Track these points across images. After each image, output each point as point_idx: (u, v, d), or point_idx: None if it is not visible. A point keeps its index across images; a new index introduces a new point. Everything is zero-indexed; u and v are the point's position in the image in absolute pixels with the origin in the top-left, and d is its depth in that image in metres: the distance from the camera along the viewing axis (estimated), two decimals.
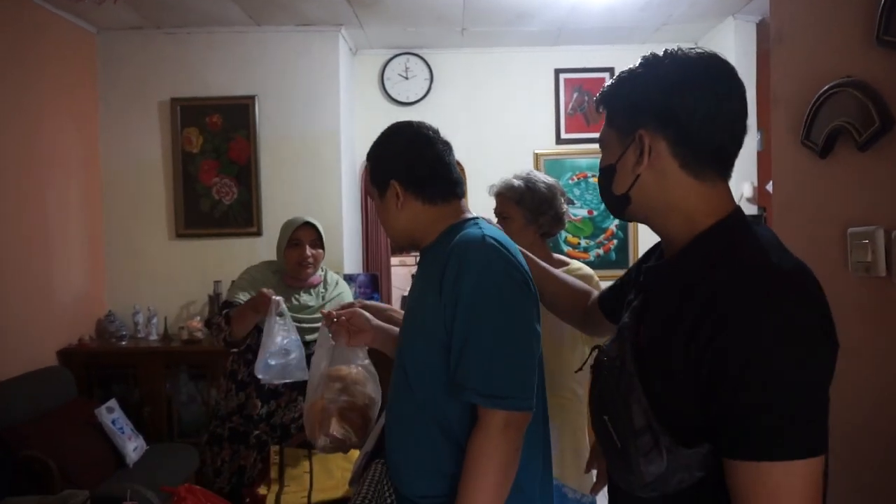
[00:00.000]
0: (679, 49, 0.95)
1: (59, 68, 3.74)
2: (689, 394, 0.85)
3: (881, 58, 1.40)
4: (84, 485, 2.78)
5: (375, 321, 1.59)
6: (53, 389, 3.33)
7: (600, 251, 4.66)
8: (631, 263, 4.66)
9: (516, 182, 2.08)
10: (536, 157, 4.63)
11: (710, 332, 0.82)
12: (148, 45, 4.12)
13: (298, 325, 2.22)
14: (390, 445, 1.39)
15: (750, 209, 4.15)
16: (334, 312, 1.58)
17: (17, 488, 2.74)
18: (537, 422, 1.31)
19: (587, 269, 2.16)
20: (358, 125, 4.60)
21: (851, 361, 1.19)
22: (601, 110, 1.02)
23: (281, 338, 2.10)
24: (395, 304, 6.48)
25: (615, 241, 4.66)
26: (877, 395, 1.45)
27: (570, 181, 4.64)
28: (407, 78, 4.61)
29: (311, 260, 2.38)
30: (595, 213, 4.65)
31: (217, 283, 4.00)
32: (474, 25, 4.18)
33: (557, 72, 4.64)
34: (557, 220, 2.11)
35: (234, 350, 2.35)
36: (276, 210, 4.11)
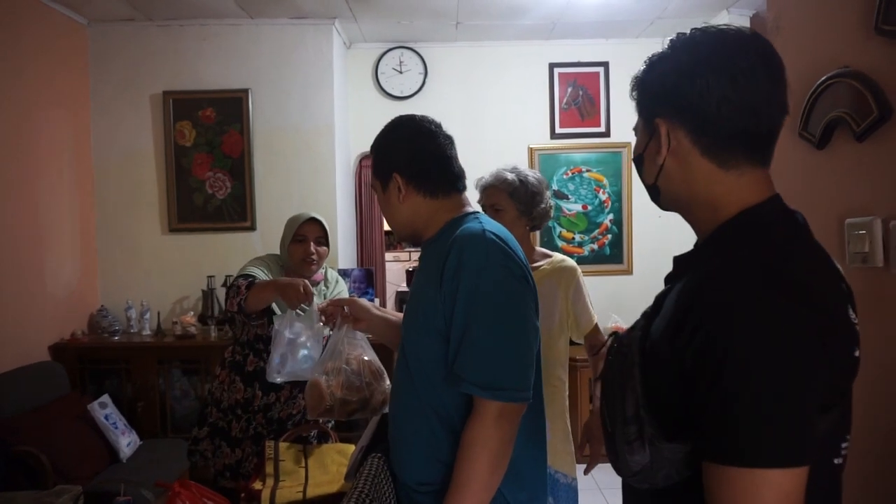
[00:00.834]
0: (699, 29, 0.89)
1: (50, 61, 3.70)
2: (674, 387, 0.83)
3: (880, 47, 1.39)
4: (77, 480, 2.78)
5: (375, 310, 1.64)
6: (46, 385, 3.31)
7: (595, 246, 4.65)
8: (625, 258, 4.69)
9: (509, 175, 2.11)
10: (531, 151, 4.62)
11: (693, 324, 0.80)
12: (140, 37, 4.08)
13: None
14: (392, 433, 1.41)
15: None
16: (331, 304, 1.65)
17: (9, 483, 2.73)
18: (536, 411, 1.34)
19: (570, 262, 2.21)
20: (352, 120, 4.58)
21: None
22: (633, 97, 0.98)
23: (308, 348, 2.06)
24: (390, 299, 6.50)
25: (609, 236, 4.66)
26: (872, 386, 1.45)
27: (565, 176, 4.63)
28: (401, 72, 4.59)
29: (315, 257, 2.34)
30: (589, 207, 4.64)
31: (210, 277, 3.98)
32: (468, 19, 4.17)
33: (552, 66, 4.62)
34: (546, 213, 2.19)
35: (242, 339, 2.34)
36: (270, 204, 4.10)
